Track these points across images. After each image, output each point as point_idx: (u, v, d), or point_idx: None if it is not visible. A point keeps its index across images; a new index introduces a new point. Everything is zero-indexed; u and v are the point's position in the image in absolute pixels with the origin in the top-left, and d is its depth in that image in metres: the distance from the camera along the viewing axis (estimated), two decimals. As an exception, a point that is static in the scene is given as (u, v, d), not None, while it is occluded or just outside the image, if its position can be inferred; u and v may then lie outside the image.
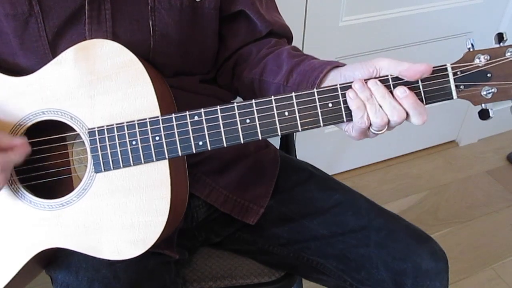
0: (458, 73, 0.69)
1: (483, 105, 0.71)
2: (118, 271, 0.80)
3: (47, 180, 0.81)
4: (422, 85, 0.70)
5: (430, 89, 0.70)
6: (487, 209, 1.99)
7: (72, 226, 0.76)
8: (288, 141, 1.25)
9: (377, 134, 0.73)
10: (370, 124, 0.71)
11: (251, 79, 0.91)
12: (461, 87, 0.70)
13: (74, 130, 0.76)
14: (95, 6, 0.78)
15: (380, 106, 0.70)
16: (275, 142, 1.14)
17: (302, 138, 1.80)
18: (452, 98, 0.71)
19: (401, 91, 0.69)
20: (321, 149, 1.96)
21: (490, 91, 0.70)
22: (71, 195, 0.76)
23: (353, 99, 0.70)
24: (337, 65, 0.78)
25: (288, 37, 1.00)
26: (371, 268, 0.92)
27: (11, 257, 0.78)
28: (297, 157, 1.24)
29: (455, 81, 0.70)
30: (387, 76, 0.71)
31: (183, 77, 0.91)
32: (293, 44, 1.02)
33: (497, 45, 0.69)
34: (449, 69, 0.70)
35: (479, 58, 0.69)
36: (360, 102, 0.70)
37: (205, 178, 0.96)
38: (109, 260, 0.76)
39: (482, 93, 0.70)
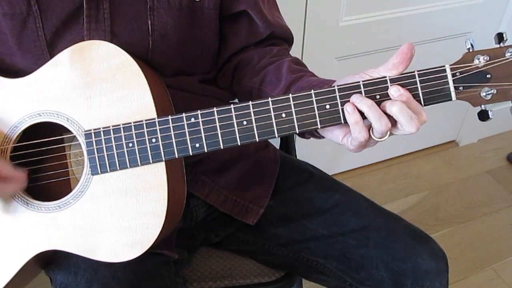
0: (457, 74, 0.68)
1: (482, 106, 0.70)
2: (117, 271, 0.80)
3: (45, 182, 0.81)
4: (420, 86, 0.69)
5: (429, 90, 0.69)
6: (487, 209, 1.99)
7: (69, 228, 0.76)
8: (288, 141, 1.25)
9: (379, 141, 0.71)
10: (371, 133, 0.70)
11: (250, 88, 0.91)
12: (460, 88, 0.69)
13: (71, 131, 0.76)
14: (93, 5, 0.78)
15: (384, 112, 0.69)
16: (275, 142, 1.14)
17: (302, 138, 1.79)
18: (451, 100, 0.70)
19: (395, 90, 0.68)
20: (321, 149, 1.96)
21: (489, 92, 0.68)
22: (68, 197, 0.76)
23: (351, 113, 0.69)
24: (333, 83, 0.77)
25: (289, 40, 1.00)
26: (371, 268, 0.92)
27: (9, 258, 0.78)
28: (297, 157, 1.24)
29: (454, 82, 0.69)
30: (385, 77, 0.70)
31: (183, 77, 0.91)
32: (293, 44, 1.02)
33: (497, 46, 0.68)
34: (448, 70, 0.69)
35: (478, 59, 0.68)
36: (359, 116, 0.69)
37: (205, 178, 0.96)
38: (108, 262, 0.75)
39: (481, 94, 0.69)
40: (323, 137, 0.79)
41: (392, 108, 0.67)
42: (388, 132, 0.70)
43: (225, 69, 0.97)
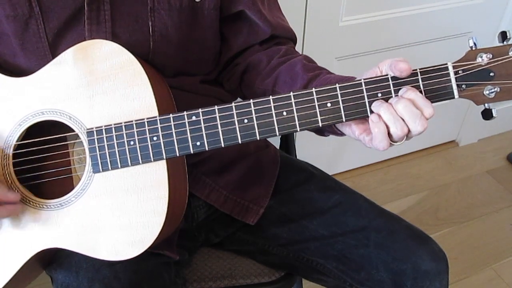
0: (459, 72, 0.69)
1: (486, 104, 0.70)
2: (118, 271, 0.80)
3: (47, 180, 0.81)
4: (422, 84, 0.69)
5: (431, 88, 0.69)
6: (487, 209, 1.99)
7: (70, 226, 0.76)
8: (288, 141, 1.25)
9: (395, 145, 0.72)
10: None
11: (263, 90, 0.91)
12: (462, 86, 0.69)
13: (74, 130, 0.76)
14: (94, 7, 0.78)
15: (403, 120, 0.69)
16: (275, 142, 1.14)
17: (302, 138, 1.79)
18: (453, 98, 0.70)
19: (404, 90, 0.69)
20: (321, 149, 1.96)
21: (493, 90, 0.68)
22: (70, 195, 0.76)
23: (376, 122, 0.69)
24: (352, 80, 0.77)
25: (293, 40, 1.00)
26: (371, 268, 0.92)
27: (10, 257, 0.78)
28: (297, 157, 1.24)
29: (456, 80, 0.69)
30: (386, 75, 0.70)
31: (184, 77, 0.91)
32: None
33: (501, 44, 0.68)
34: (450, 68, 0.69)
35: (481, 57, 0.68)
36: (383, 126, 0.69)
37: (205, 178, 0.96)
38: (109, 261, 0.75)
39: (484, 93, 0.69)
40: (344, 134, 0.79)
41: (398, 105, 0.68)
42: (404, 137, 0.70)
43: (233, 72, 0.97)
